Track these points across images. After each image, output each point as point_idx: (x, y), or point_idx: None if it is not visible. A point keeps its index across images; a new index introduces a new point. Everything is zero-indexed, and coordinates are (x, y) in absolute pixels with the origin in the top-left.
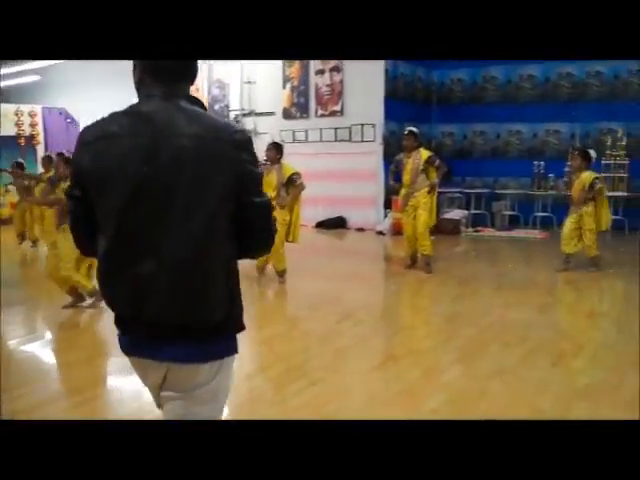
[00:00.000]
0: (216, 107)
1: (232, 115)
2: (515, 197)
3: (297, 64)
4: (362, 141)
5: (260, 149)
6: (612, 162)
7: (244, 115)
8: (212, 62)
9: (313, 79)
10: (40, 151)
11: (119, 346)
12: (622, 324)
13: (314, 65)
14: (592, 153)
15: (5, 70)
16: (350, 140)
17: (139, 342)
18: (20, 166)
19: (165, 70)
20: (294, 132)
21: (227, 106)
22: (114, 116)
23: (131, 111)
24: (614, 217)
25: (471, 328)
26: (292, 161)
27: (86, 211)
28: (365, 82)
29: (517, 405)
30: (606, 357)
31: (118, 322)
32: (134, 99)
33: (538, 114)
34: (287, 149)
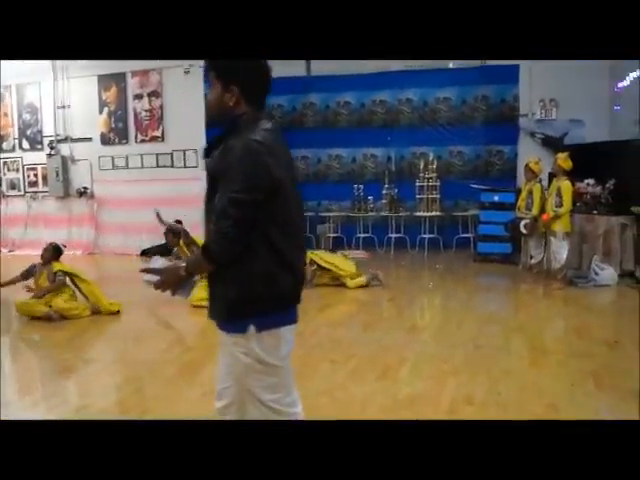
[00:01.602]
0: (28, 132)
1: (46, 141)
2: (338, 219)
3: (114, 88)
4: (185, 167)
5: (78, 175)
6: (425, 184)
7: (59, 141)
8: (21, 84)
9: (131, 104)
10: None
11: (285, 320)
12: (440, 336)
13: (132, 89)
14: None
15: None
16: (172, 166)
17: (296, 311)
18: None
19: (263, 94)
20: (113, 158)
21: (40, 132)
22: (269, 132)
23: (270, 128)
24: (430, 236)
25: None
26: (112, 188)
27: (257, 214)
28: (185, 107)
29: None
30: (426, 367)
31: (285, 300)
32: None
33: (356, 139)
34: (107, 175)
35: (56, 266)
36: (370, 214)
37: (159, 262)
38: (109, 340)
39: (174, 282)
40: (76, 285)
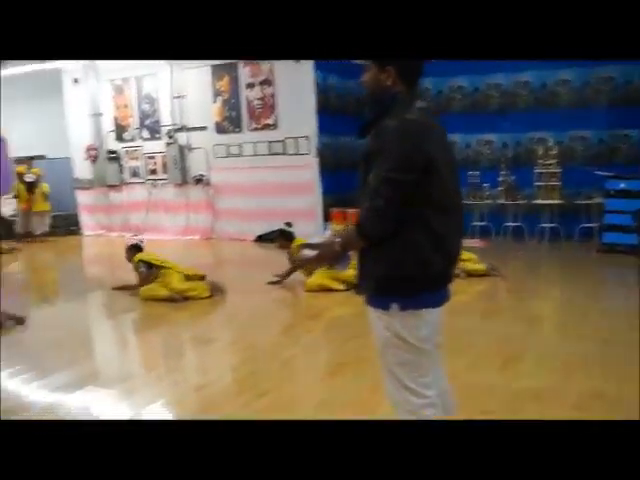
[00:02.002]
0: (147, 122)
1: (164, 130)
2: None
3: (226, 77)
4: (297, 154)
5: (195, 163)
6: (544, 171)
7: (176, 130)
8: (140, 76)
9: (244, 92)
10: None
11: (430, 302)
12: (563, 328)
13: (244, 78)
14: None
15: None
16: (284, 153)
17: (444, 294)
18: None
19: (418, 74)
20: (228, 146)
21: (158, 122)
22: (424, 111)
23: (425, 107)
24: (550, 225)
25: None
26: (227, 175)
27: (410, 193)
28: (297, 95)
29: None
30: (550, 360)
31: (433, 282)
32: (54, 116)
33: (470, 124)
34: (222, 163)
35: (136, 258)
36: (486, 202)
37: (316, 238)
38: (228, 321)
39: (329, 256)
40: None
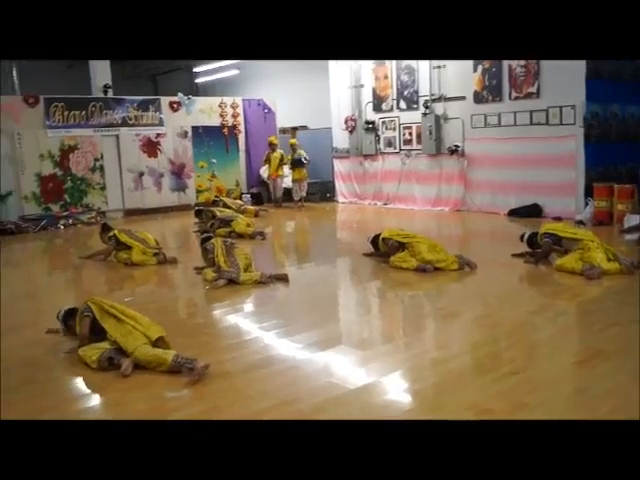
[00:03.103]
0: (405, 93)
1: (421, 101)
2: None
3: None
4: (560, 124)
5: (450, 134)
6: None
7: (433, 100)
8: None
9: (506, 61)
10: (241, 140)
11: None
12: None
13: None
14: None
15: (209, 66)
16: (547, 123)
17: None
18: None
19: None
20: (486, 116)
21: (416, 92)
22: None
23: None
24: None
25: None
26: (483, 146)
27: None
28: (564, 61)
29: None
30: None
31: None
32: (321, 89)
33: None
34: (478, 134)
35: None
36: None
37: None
38: (475, 296)
39: None
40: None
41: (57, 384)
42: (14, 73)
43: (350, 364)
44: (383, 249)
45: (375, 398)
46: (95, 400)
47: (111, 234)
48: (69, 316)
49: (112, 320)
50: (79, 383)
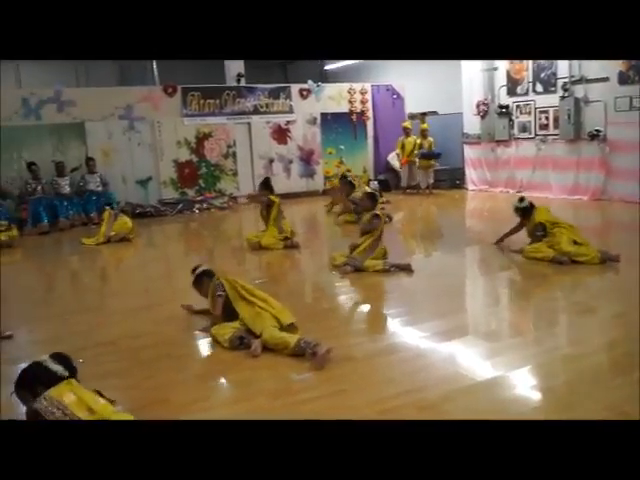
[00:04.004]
0: (542, 75)
1: (560, 83)
2: None
3: None
4: None
5: (591, 118)
6: None
7: (573, 82)
8: None
9: None
10: (369, 126)
11: None
12: None
13: None
14: None
15: None
16: None
17: None
18: None
19: None
20: (631, 98)
21: (554, 74)
22: None
23: None
24: None
25: None
26: (627, 131)
27: None
28: None
29: None
30: None
31: None
32: (451, 73)
33: None
34: (622, 117)
35: None
36: None
37: None
38: (615, 292)
39: None
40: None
41: (190, 360)
42: (154, 65)
43: (477, 355)
44: (530, 226)
45: (503, 392)
46: (224, 378)
47: (273, 197)
48: (204, 277)
49: (243, 302)
50: (211, 360)
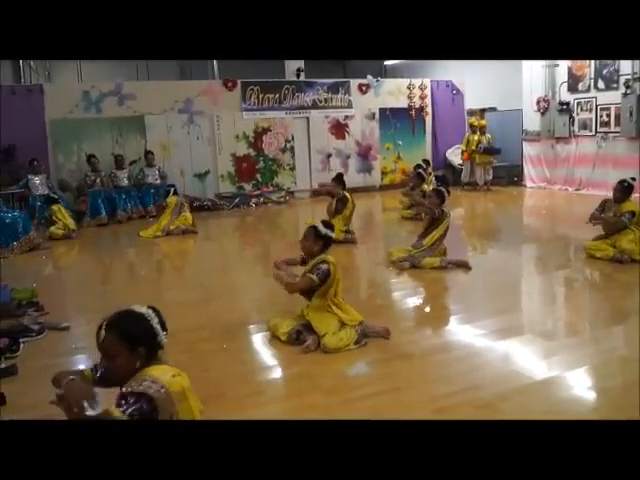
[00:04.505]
0: (604, 72)
1: (622, 80)
2: None
3: None
4: None
5: None
6: None
7: (635, 80)
8: None
9: None
10: (428, 121)
11: None
12: None
13: None
14: None
15: None
16: None
17: None
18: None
19: None
20: None
21: (617, 70)
22: None
23: None
24: None
25: None
26: None
27: None
28: None
29: None
30: None
31: None
32: (511, 69)
33: None
34: None
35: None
36: None
37: None
38: None
39: None
40: None
41: (246, 354)
42: None
43: (534, 355)
44: (622, 209)
45: (560, 392)
46: (280, 372)
47: (347, 194)
48: (319, 236)
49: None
50: (266, 354)
